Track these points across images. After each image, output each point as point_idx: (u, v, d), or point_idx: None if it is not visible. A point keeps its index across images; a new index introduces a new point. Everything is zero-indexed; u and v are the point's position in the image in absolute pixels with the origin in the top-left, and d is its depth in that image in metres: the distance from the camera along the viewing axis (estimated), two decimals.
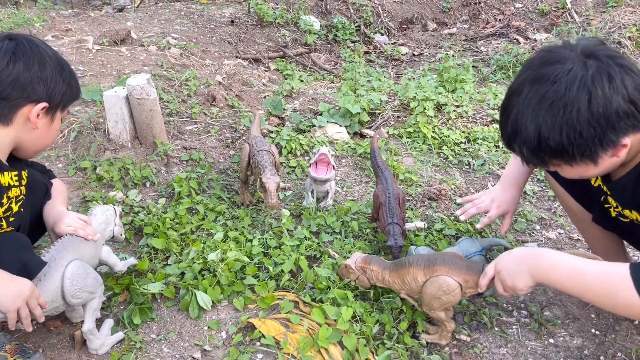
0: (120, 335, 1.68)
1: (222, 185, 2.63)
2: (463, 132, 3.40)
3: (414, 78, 4.38)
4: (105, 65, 3.85)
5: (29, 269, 1.44)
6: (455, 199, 2.62)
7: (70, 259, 1.53)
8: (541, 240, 2.33)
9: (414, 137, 3.34)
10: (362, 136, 3.44)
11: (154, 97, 2.71)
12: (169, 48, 4.48)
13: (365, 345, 1.66)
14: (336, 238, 2.21)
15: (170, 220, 2.24)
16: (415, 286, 1.66)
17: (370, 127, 3.53)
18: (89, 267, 1.58)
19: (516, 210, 2.11)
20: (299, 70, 5.28)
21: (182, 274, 1.92)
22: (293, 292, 1.88)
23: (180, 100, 3.53)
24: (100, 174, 2.52)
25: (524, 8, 7.59)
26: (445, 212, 2.52)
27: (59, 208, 1.66)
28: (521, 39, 6.60)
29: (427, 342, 1.74)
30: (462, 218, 1.98)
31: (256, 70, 4.77)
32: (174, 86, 3.70)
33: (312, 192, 2.48)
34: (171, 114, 3.33)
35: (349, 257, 2.02)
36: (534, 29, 6.89)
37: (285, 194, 2.61)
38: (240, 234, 2.15)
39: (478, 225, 1.95)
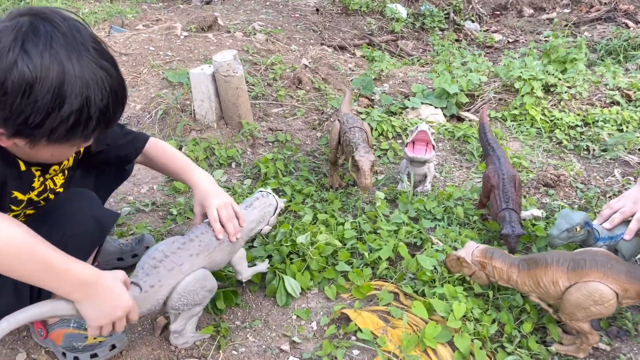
0: (203, 335, 1.50)
1: (310, 167, 2.44)
2: (578, 114, 3.00)
3: (515, 59, 3.98)
4: (192, 50, 3.81)
5: (103, 224, 1.34)
6: (577, 187, 2.26)
7: (196, 267, 1.35)
8: None
9: (520, 120, 2.99)
10: (460, 119, 3.14)
11: (240, 74, 2.58)
12: (255, 34, 4.39)
13: (480, 348, 1.40)
14: (438, 225, 1.95)
15: None
16: (553, 291, 1.37)
17: (468, 110, 3.21)
18: (209, 277, 1.38)
19: None
20: (387, 58, 5.03)
21: (269, 256, 1.75)
22: (392, 282, 1.65)
23: (265, 83, 3.40)
24: (186, 154, 2.42)
25: None
26: (565, 200, 2.17)
27: (205, 184, 1.49)
28: (631, 23, 5.94)
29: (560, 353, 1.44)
30: (607, 226, 1.65)
31: (342, 56, 4.57)
32: (260, 70, 3.58)
33: (408, 175, 2.23)
34: (257, 96, 3.20)
35: (456, 247, 1.76)
36: None
37: (377, 178, 2.38)
38: (330, 217, 1.95)
39: (626, 237, 1.61)
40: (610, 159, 2.57)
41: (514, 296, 1.55)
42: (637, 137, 2.71)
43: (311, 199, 2.14)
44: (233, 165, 2.44)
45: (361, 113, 2.84)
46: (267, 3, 6.06)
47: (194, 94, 2.64)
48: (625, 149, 2.60)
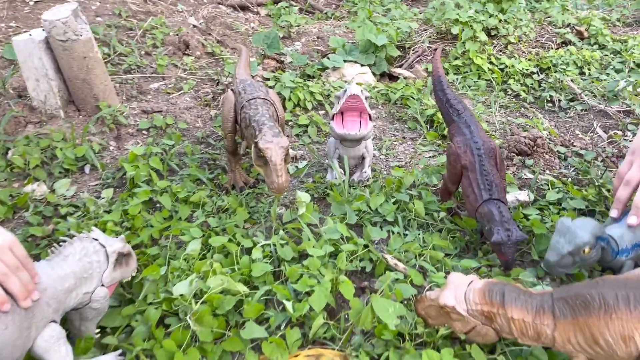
0: None
1: (201, 160, 1.74)
2: (530, 59, 2.47)
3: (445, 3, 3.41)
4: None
5: None
6: (558, 151, 1.71)
7: None
8: None
9: (465, 72, 2.42)
10: (392, 78, 2.52)
11: (87, 37, 1.80)
12: None
13: None
14: (391, 231, 1.33)
15: (116, 224, 1.36)
16: (624, 352, 0.78)
17: (401, 65, 2.61)
18: None
19: None
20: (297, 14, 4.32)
21: (129, 328, 1.05)
22: (335, 349, 1.01)
23: (143, 53, 2.61)
24: (11, 160, 1.63)
25: None
26: (549, 171, 1.62)
27: None
28: None
29: None
30: (613, 214, 1.10)
31: (243, 14, 3.81)
32: (135, 37, 2.76)
33: (340, 159, 1.59)
34: (130, 70, 2.41)
35: (424, 269, 1.15)
36: None
37: (296, 167, 1.72)
38: (230, 241, 1.27)
39: (630, 221, 1.07)
40: (583, 110, 2.06)
41: (530, 349, 0.96)
42: (605, 79, 2.22)
43: (202, 211, 1.45)
44: (87, 169, 1.68)
45: (267, 79, 2.14)
46: None
47: (24, 72, 1.83)
48: (594, 95, 2.09)
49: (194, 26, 2.92)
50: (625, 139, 1.79)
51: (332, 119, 1.54)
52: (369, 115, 1.54)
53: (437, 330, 0.99)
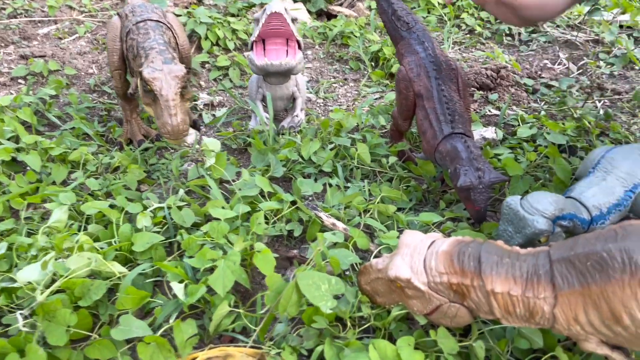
0: None
1: (91, 112, 1.38)
2: None
3: None
4: None
5: None
6: (525, 83, 1.45)
7: None
8: None
9: (412, 8, 2.13)
10: (330, 16, 2.20)
11: None
12: None
13: None
14: (329, 184, 1.03)
15: None
16: None
17: (341, 4, 2.28)
18: None
19: None
20: None
21: None
22: (248, 346, 0.71)
23: None
24: None
25: None
26: (515, 106, 1.36)
27: None
28: None
29: None
30: None
31: None
32: None
33: (264, 100, 1.27)
34: (15, 14, 1.98)
35: (372, 229, 0.87)
36: None
37: (213, 115, 1.38)
38: (112, 207, 0.94)
39: None
40: (546, 42, 1.81)
41: (518, 330, 0.69)
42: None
43: (83, 171, 1.10)
44: None
45: (179, 15, 1.77)
46: None
47: None
48: (556, 25, 1.85)
49: None
50: (598, 67, 1.55)
51: (251, 48, 1.22)
52: (298, 43, 1.22)
53: (389, 312, 0.70)
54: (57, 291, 0.74)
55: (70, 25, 1.93)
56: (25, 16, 1.99)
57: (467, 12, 2.06)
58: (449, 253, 0.61)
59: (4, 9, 2.00)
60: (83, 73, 1.59)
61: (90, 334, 0.72)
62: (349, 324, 0.70)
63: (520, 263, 0.59)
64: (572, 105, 1.23)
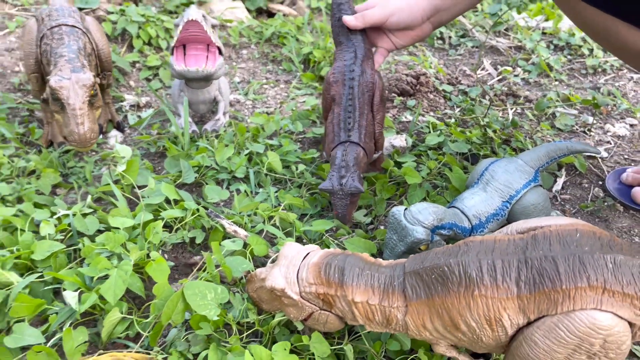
0: None
1: (12, 113, 1.37)
2: None
3: None
4: None
5: None
6: (444, 90, 1.52)
7: None
8: (607, 141, 1.30)
9: None
10: (270, 14, 2.22)
11: None
12: None
13: None
14: (238, 190, 1.06)
15: None
16: (491, 337, 0.59)
17: (282, 2, 2.30)
18: None
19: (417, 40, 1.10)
20: None
21: None
22: (138, 351, 0.74)
23: None
24: None
25: None
26: (433, 112, 1.42)
27: None
28: None
29: None
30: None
31: None
32: None
33: (184, 104, 1.29)
34: None
35: (273, 238, 0.91)
36: None
37: (139, 116, 1.40)
38: (19, 214, 0.95)
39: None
40: (474, 46, 1.88)
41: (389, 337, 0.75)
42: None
43: None
44: None
45: (111, 13, 1.76)
46: None
47: None
48: (485, 30, 1.92)
49: None
50: (515, 76, 1.63)
51: (172, 53, 1.23)
52: (218, 48, 1.25)
53: (274, 317, 0.75)
54: None
55: (2, 19, 1.89)
56: None
57: None
58: (317, 265, 0.66)
59: None
60: (9, 71, 1.57)
61: None
62: (234, 329, 0.74)
63: (379, 275, 0.64)
64: (478, 115, 1.30)
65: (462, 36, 1.96)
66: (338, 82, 1.02)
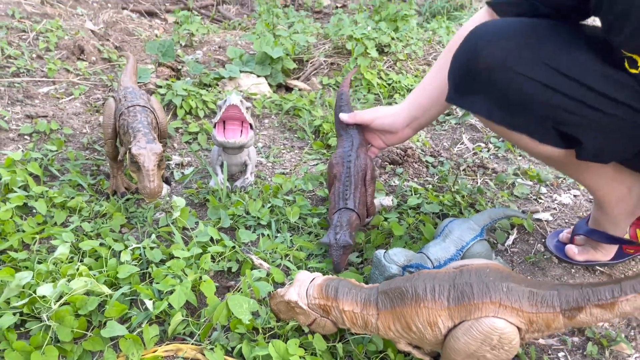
0: None
1: (84, 166, 1.73)
2: (416, 75, 2.67)
3: (345, 18, 3.59)
4: None
5: None
6: (426, 160, 1.87)
7: None
8: (554, 208, 1.64)
9: (356, 86, 2.57)
10: (288, 89, 2.62)
11: None
12: None
13: None
14: (262, 234, 1.40)
15: None
16: (432, 336, 0.91)
17: (298, 78, 2.72)
18: None
19: (394, 144, 1.50)
20: (205, 23, 4.35)
21: None
22: (193, 343, 1.07)
23: (34, 55, 2.54)
24: None
25: None
26: (416, 179, 1.77)
27: None
28: None
29: None
30: None
31: (147, 21, 3.78)
32: (27, 39, 2.68)
33: (222, 166, 1.65)
34: (18, 73, 2.34)
35: (288, 268, 1.23)
36: None
37: (182, 173, 1.76)
38: (101, 245, 1.29)
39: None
40: (456, 123, 2.26)
41: (370, 338, 1.07)
42: None
43: (78, 216, 1.45)
44: None
45: (160, 87, 2.16)
46: None
47: None
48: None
49: (92, 32, 2.88)
50: (487, 151, 1.99)
51: (215, 127, 1.60)
52: (250, 125, 1.62)
53: (288, 323, 1.07)
54: (64, 304, 1.09)
55: (67, 86, 2.30)
56: (27, 75, 2.35)
57: (399, 93, 2.51)
58: (320, 285, 0.99)
59: (9, 67, 2.36)
60: (78, 132, 1.95)
61: (87, 332, 1.06)
62: (260, 331, 1.07)
63: (361, 293, 0.97)
64: (449, 183, 1.65)
65: (448, 114, 2.34)
66: (339, 164, 1.38)
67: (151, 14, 4.42)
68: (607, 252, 1.37)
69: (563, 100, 1.01)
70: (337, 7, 5.98)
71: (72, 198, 1.51)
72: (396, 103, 2.44)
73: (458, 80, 1.09)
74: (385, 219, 1.46)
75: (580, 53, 1.01)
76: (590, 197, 1.70)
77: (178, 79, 2.41)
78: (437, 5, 5.15)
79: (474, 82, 1.06)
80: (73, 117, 2.05)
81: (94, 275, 1.17)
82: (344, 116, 1.46)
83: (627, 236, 1.36)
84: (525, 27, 1.04)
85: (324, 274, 1.21)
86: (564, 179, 1.79)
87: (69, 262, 1.23)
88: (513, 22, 1.06)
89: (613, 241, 1.33)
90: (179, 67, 2.49)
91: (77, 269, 1.16)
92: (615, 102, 1.00)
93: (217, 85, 2.41)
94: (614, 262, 1.38)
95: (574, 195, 1.71)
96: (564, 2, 1.06)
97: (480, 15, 1.24)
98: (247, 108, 1.63)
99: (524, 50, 1.01)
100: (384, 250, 1.18)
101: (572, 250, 1.39)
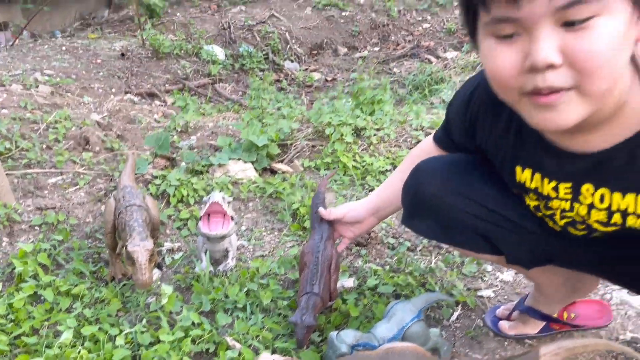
0: None
1: (87, 255, 1.98)
2: (387, 157, 2.95)
3: (326, 103, 3.93)
4: None
5: None
6: (388, 242, 2.12)
7: None
8: (496, 285, 1.87)
9: (333, 168, 2.85)
10: (273, 172, 2.91)
11: None
12: (37, 86, 3.77)
13: None
14: (238, 316, 1.63)
15: (2, 317, 1.57)
16: None
17: (282, 161, 3.01)
18: None
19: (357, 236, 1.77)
20: (202, 103, 4.71)
21: None
22: None
23: (44, 147, 2.85)
24: None
25: (431, 28, 7.52)
26: (377, 260, 2.01)
27: None
28: (432, 58, 6.47)
29: None
30: None
31: (147, 106, 4.14)
32: (39, 130, 3.00)
33: (206, 252, 1.89)
34: (30, 164, 2.64)
35: (257, 348, 1.46)
36: (443, 48, 6.80)
37: (172, 258, 2.00)
38: (100, 330, 1.52)
39: None
40: None
41: None
42: None
43: (81, 302, 1.69)
44: None
45: (156, 177, 2.45)
46: (64, 48, 5.39)
47: None
48: None
49: (97, 122, 3.20)
50: None
51: (200, 219, 1.86)
52: (231, 217, 1.87)
53: None
54: None
55: (73, 177, 2.58)
56: (37, 167, 2.64)
57: (372, 175, 2.79)
58: None
59: (21, 159, 2.66)
60: (82, 222, 2.21)
61: None
62: None
63: None
64: (403, 265, 1.89)
65: None
66: (309, 253, 1.63)
67: (152, 95, 4.80)
68: (535, 327, 1.60)
69: (482, 224, 1.31)
70: (326, 80, 6.43)
71: (76, 285, 1.75)
72: (369, 185, 2.72)
73: (408, 207, 1.42)
74: (344, 301, 1.69)
75: (491, 185, 1.29)
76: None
77: (173, 167, 2.70)
78: (420, 79, 5.55)
79: (418, 208, 1.38)
80: (78, 206, 2.32)
81: (93, 358, 1.40)
82: (322, 211, 1.70)
83: (555, 315, 1.59)
84: (452, 165, 1.36)
85: (287, 353, 1.44)
86: None
87: (72, 347, 1.45)
88: (444, 162, 1.38)
89: (545, 319, 1.57)
90: (174, 156, 2.79)
91: (79, 352, 1.39)
92: (520, 225, 1.27)
93: (208, 171, 2.70)
94: (540, 335, 1.60)
95: (515, 273, 1.94)
96: (467, 147, 1.34)
97: (428, 142, 1.53)
98: (229, 203, 1.89)
99: (449, 183, 1.31)
100: (337, 332, 1.40)
101: (504, 325, 1.61)
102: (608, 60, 0.79)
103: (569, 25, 0.78)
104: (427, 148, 1.52)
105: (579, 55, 0.79)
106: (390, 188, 1.65)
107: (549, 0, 0.76)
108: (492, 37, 0.86)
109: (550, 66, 0.80)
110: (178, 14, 6.78)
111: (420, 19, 7.64)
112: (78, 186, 2.50)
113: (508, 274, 1.93)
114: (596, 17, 0.77)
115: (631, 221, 1.03)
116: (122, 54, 5.36)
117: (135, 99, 4.45)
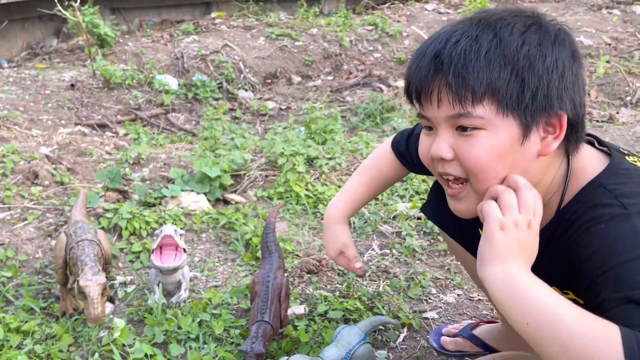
0: None
1: (37, 290, 1.97)
2: (339, 186, 3.06)
3: (279, 133, 4.04)
4: None
5: None
6: (339, 269, 2.21)
7: None
8: (440, 307, 1.98)
9: (286, 198, 2.93)
10: (227, 202, 2.96)
11: None
12: None
13: None
14: (191, 347, 1.67)
15: None
16: None
17: (235, 191, 3.06)
18: None
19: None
20: (154, 133, 4.72)
21: None
22: None
23: None
24: None
25: (382, 57, 7.80)
26: (328, 286, 2.09)
27: None
28: (384, 87, 6.70)
29: None
30: None
31: (99, 138, 4.12)
32: None
33: (159, 284, 1.92)
34: None
35: None
36: (394, 77, 7.06)
37: (125, 291, 2.02)
38: None
39: None
40: (372, 231, 2.62)
41: None
42: (392, 204, 2.84)
43: (32, 339, 1.68)
44: None
45: (108, 210, 2.46)
46: (10, 79, 5.29)
47: None
48: (383, 220, 2.69)
49: (46, 156, 3.17)
50: (392, 256, 2.35)
51: (152, 252, 1.90)
52: (183, 249, 1.92)
53: None
54: None
55: (21, 212, 2.55)
56: None
57: (323, 203, 2.88)
58: None
59: None
60: (31, 257, 2.19)
61: None
62: None
63: None
64: (352, 290, 1.97)
65: (365, 222, 2.71)
66: (260, 283, 1.69)
67: (103, 127, 4.77)
68: (474, 346, 1.70)
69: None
70: (281, 109, 6.55)
71: (26, 322, 1.74)
72: (321, 214, 2.80)
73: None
74: (295, 327, 1.75)
75: None
76: (470, 295, 2.05)
77: (125, 199, 2.71)
78: (371, 107, 5.74)
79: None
80: (27, 242, 2.30)
81: None
82: (361, 265, 1.60)
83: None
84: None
85: None
86: (452, 279, 2.15)
87: None
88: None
89: (489, 350, 1.67)
90: (126, 188, 2.80)
91: None
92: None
93: (160, 204, 2.72)
94: (480, 352, 1.70)
95: (457, 294, 2.06)
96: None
97: (387, 150, 1.52)
98: (181, 235, 1.94)
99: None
100: (287, 358, 1.46)
101: (445, 340, 1.72)
102: (486, 165, 0.95)
103: (463, 129, 0.96)
104: (388, 158, 1.53)
105: (463, 155, 0.96)
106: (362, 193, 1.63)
107: (443, 109, 0.96)
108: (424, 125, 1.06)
109: (442, 159, 0.99)
110: (130, 43, 6.79)
111: (371, 48, 7.92)
112: (27, 221, 2.47)
113: (451, 296, 2.04)
114: (482, 130, 0.94)
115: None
116: (72, 85, 5.31)
117: (86, 130, 4.42)
